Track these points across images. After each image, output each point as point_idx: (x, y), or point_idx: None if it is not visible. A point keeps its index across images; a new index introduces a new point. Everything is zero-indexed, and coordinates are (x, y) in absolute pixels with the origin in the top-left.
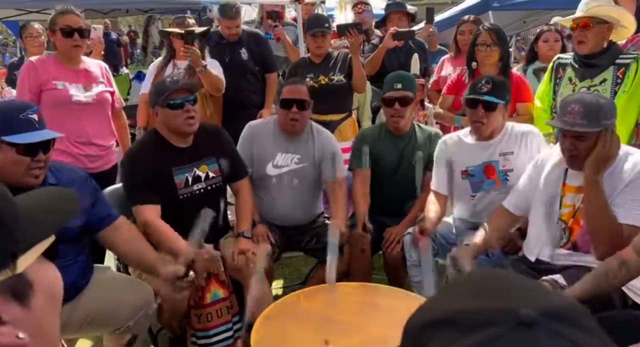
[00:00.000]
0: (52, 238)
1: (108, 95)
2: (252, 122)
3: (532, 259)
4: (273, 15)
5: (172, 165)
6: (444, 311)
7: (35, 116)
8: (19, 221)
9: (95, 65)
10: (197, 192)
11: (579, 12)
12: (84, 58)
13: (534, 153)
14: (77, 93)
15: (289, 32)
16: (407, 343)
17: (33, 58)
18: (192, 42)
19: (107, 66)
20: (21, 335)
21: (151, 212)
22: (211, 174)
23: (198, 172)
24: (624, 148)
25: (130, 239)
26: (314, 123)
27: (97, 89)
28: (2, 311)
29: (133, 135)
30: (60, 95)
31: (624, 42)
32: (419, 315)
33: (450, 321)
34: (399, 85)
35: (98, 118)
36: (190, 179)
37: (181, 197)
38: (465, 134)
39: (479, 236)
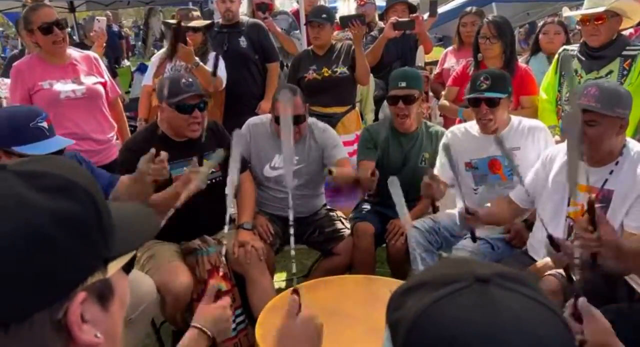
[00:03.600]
0: (134, 251)
1: (100, 87)
2: (250, 121)
3: (539, 259)
4: (262, 7)
5: (170, 159)
6: (418, 279)
7: (45, 124)
8: (115, 231)
9: (82, 57)
10: None
11: (589, 3)
12: (71, 51)
13: (541, 148)
14: (66, 89)
15: (282, 21)
16: (390, 308)
17: (17, 63)
18: (183, 39)
19: (96, 56)
20: (99, 335)
21: None
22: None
23: None
24: (637, 146)
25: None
26: (310, 119)
27: (87, 82)
28: (86, 310)
29: (135, 128)
30: (48, 95)
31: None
32: (400, 288)
33: (423, 283)
34: (403, 84)
35: (92, 112)
36: None
37: None
38: (471, 126)
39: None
